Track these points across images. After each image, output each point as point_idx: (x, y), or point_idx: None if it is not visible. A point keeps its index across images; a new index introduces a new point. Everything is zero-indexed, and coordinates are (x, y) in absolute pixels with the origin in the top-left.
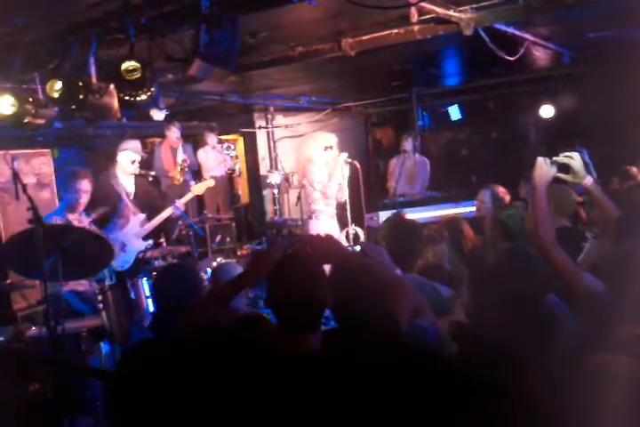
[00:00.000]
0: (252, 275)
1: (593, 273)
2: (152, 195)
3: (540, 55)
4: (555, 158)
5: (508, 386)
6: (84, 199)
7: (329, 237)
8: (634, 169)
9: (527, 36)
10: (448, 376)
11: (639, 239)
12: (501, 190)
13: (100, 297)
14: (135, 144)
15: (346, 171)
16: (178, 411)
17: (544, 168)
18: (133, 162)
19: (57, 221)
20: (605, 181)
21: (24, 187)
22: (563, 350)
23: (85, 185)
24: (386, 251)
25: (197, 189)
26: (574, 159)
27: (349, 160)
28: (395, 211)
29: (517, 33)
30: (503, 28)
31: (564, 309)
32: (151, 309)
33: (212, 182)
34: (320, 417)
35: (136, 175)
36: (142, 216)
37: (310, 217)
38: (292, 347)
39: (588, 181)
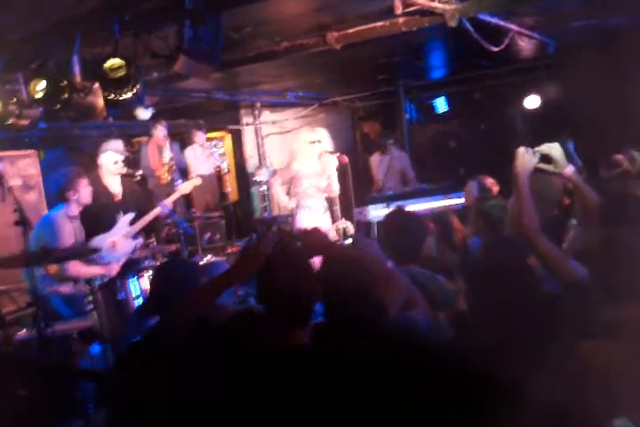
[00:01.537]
0: (242, 270)
1: (577, 260)
2: (138, 194)
3: (525, 45)
4: (536, 148)
5: (499, 377)
6: (89, 197)
7: (316, 231)
8: (619, 157)
9: (512, 26)
10: (436, 369)
11: (623, 226)
12: (489, 181)
13: (89, 298)
14: (117, 144)
15: (334, 165)
16: (173, 409)
17: (525, 158)
18: (116, 162)
19: (64, 221)
20: (593, 170)
21: (10, 189)
22: (555, 337)
23: (84, 183)
24: (389, 244)
25: (184, 187)
26: (555, 149)
27: (338, 154)
28: (385, 204)
29: (502, 23)
30: (488, 18)
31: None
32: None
33: (198, 181)
34: (312, 412)
35: (122, 175)
36: (131, 216)
37: (298, 212)
38: (283, 342)
39: (569, 170)
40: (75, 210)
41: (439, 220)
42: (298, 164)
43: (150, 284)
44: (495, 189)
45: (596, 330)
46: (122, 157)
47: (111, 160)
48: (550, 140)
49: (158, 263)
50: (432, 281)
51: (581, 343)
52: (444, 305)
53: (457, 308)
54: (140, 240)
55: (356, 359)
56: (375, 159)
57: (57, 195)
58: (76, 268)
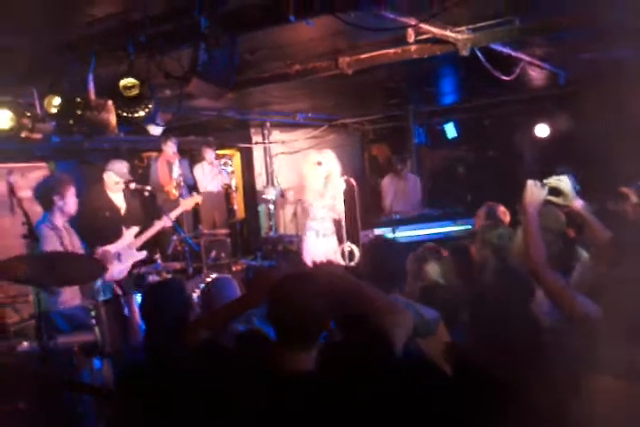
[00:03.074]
0: (256, 296)
1: (589, 296)
2: (143, 209)
3: (536, 75)
4: (545, 181)
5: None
6: (74, 207)
7: (329, 264)
8: (627, 189)
9: (523, 56)
10: (446, 398)
11: (635, 264)
12: (501, 210)
13: (93, 313)
14: (120, 166)
15: (341, 187)
16: None
17: (534, 191)
18: (117, 183)
19: (47, 230)
20: (601, 202)
21: (19, 201)
22: (559, 369)
23: (73, 191)
24: (371, 272)
25: (185, 204)
26: (564, 182)
27: (345, 177)
28: (392, 228)
29: (513, 53)
30: (499, 48)
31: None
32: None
33: (199, 198)
34: None
35: (129, 190)
36: (135, 229)
37: (306, 234)
38: (292, 365)
39: (578, 203)
40: (59, 219)
41: (453, 246)
42: (306, 185)
43: (140, 306)
44: (507, 217)
45: (605, 368)
46: (122, 180)
47: (112, 180)
48: (557, 171)
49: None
50: (411, 309)
51: (590, 378)
52: (424, 333)
53: (438, 338)
54: (144, 253)
55: (364, 385)
56: (386, 182)
57: (42, 197)
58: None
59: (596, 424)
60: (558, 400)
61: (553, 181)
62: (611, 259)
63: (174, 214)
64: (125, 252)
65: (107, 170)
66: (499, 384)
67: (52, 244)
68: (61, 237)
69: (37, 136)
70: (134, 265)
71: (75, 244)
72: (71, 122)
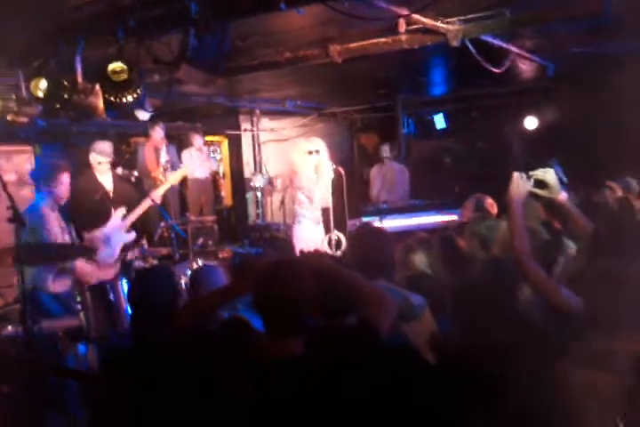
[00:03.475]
0: (243, 284)
1: (570, 287)
2: (130, 191)
3: (525, 68)
4: (530, 173)
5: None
6: (67, 193)
7: (317, 253)
8: (613, 184)
9: (513, 48)
10: (427, 386)
11: (619, 256)
12: (489, 202)
13: (78, 298)
14: (103, 146)
15: (330, 176)
16: (164, 415)
17: (520, 183)
18: (100, 163)
19: (48, 210)
20: (586, 194)
21: (4, 184)
22: (542, 361)
23: (67, 178)
24: (357, 259)
25: (173, 178)
26: (549, 174)
27: (333, 166)
28: (379, 217)
29: (504, 45)
30: (490, 39)
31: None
32: (130, 311)
33: (186, 171)
34: (305, 420)
35: (116, 175)
36: (123, 210)
37: (294, 222)
38: (278, 351)
39: (563, 196)
40: (55, 203)
41: (441, 237)
42: (295, 174)
43: (128, 292)
44: (494, 209)
45: (588, 360)
46: (105, 160)
47: (95, 161)
48: (545, 163)
49: (147, 266)
50: (397, 295)
51: (570, 372)
52: (409, 317)
53: (422, 324)
54: (134, 234)
55: (350, 369)
56: (374, 171)
57: (41, 181)
58: (84, 269)
59: (576, 415)
60: (539, 391)
61: (539, 173)
62: (592, 251)
63: (162, 190)
64: (114, 234)
65: (89, 151)
66: (481, 374)
67: (55, 227)
68: (59, 220)
69: (23, 120)
70: (123, 248)
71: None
72: (58, 105)
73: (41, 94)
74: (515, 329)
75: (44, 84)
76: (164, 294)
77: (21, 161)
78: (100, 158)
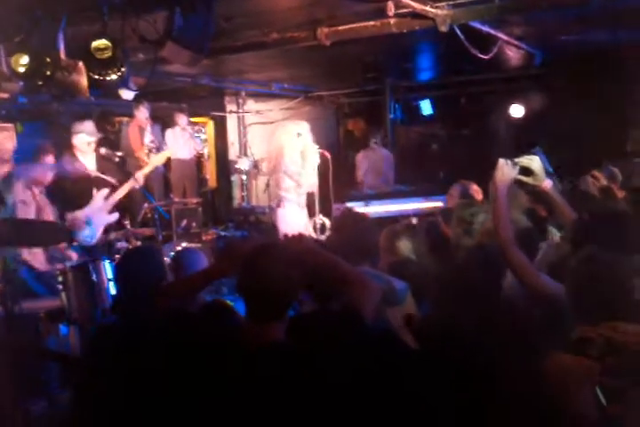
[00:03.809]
0: (226, 267)
1: (550, 274)
2: (113, 173)
3: (513, 55)
4: (516, 160)
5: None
6: (50, 176)
7: (300, 236)
8: (597, 173)
9: (501, 35)
10: (414, 365)
11: (600, 244)
12: (474, 188)
13: (60, 278)
14: (89, 125)
15: (315, 160)
16: (144, 397)
17: (505, 169)
18: (89, 144)
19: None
20: (571, 182)
21: None
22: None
23: (51, 160)
24: (340, 244)
25: (156, 159)
26: (535, 162)
27: (319, 150)
28: (364, 202)
29: (492, 32)
30: (478, 26)
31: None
32: (112, 292)
33: (170, 153)
34: (288, 406)
35: (100, 156)
36: (105, 191)
37: (279, 205)
38: (260, 336)
39: (548, 184)
40: (32, 183)
41: (426, 223)
42: (281, 157)
43: (115, 272)
44: (479, 196)
45: (566, 346)
46: (94, 139)
47: (84, 142)
48: (527, 152)
49: (131, 247)
50: (380, 280)
51: (550, 357)
52: (392, 302)
53: (405, 309)
54: (116, 215)
55: (331, 355)
56: (360, 156)
57: (23, 162)
58: None
59: (556, 401)
60: (521, 376)
61: (524, 160)
62: (575, 239)
63: (146, 171)
64: (96, 215)
65: (75, 133)
66: (462, 359)
67: (27, 208)
68: (38, 203)
69: (4, 96)
70: (105, 230)
71: (47, 211)
72: (40, 82)
73: (22, 70)
74: (497, 315)
75: (25, 59)
76: (150, 274)
77: (2, 139)
78: (89, 139)
